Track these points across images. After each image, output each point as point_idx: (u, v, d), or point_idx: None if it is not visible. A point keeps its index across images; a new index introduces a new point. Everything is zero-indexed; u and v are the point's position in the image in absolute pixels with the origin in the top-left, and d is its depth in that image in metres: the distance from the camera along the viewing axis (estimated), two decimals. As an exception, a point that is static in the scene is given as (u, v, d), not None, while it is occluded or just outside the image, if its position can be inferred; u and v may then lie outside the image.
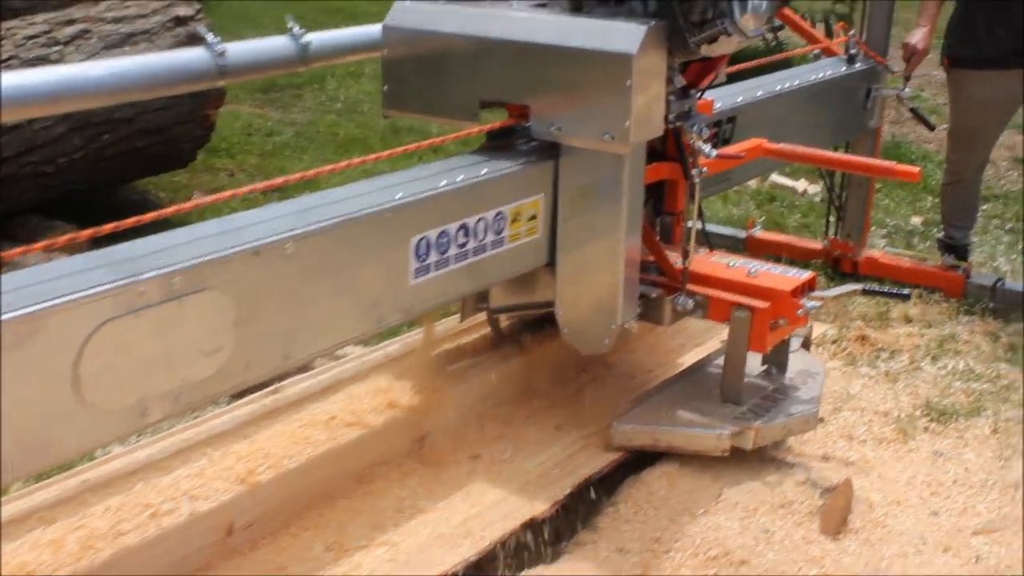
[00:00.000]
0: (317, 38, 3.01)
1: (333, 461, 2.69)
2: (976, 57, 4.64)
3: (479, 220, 2.65)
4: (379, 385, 2.98)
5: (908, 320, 4.59)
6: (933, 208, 5.83)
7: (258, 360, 2.20)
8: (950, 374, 4.15)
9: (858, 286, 3.63)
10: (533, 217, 2.82)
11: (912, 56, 4.51)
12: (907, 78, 4.53)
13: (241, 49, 2.84)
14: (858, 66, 4.42)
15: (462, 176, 2.61)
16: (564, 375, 3.32)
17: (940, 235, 5.10)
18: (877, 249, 5.19)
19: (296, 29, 2.97)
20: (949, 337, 4.43)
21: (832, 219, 5.02)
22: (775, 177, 6.28)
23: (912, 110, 4.69)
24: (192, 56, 2.76)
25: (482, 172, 2.65)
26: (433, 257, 2.54)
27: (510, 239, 2.76)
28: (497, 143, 2.86)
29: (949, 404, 3.89)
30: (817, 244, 5.08)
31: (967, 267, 4.81)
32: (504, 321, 3.31)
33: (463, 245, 2.62)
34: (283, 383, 3.00)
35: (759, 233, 5.16)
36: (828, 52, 4.59)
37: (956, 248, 4.98)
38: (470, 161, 2.75)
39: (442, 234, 2.55)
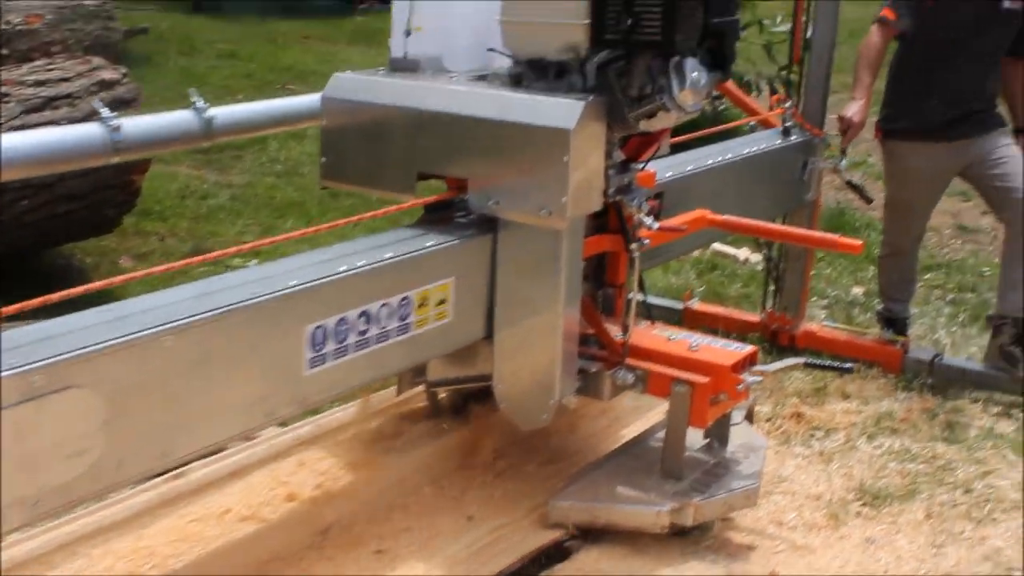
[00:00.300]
0: (222, 113, 2.90)
1: (224, 559, 2.54)
2: (909, 128, 4.61)
3: (382, 306, 2.53)
4: (280, 474, 2.84)
5: (845, 396, 4.50)
6: (875, 278, 5.75)
7: (132, 460, 2.07)
8: (886, 454, 4.05)
9: (800, 360, 3.59)
10: (442, 301, 2.72)
11: (848, 129, 4.46)
12: (844, 151, 4.48)
13: (138, 124, 2.74)
14: (794, 138, 4.36)
15: (363, 261, 2.50)
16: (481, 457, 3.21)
17: (879, 308, 5.03)
18: (816, 322, 5.11)
19: (199, 103, 2.85)
20: (886, 414, 4.34)
21: (770, 291, 4.94)
22: (717, 245, 6.22)
23: (849, 183, 4.64)
24: (85, 132, 2.65)
25: (386, 256, 2.55)
26: (330, 346, 2.42)
27: (417, 325, 2.65)
28: (436, 216, 2.82)
29: (883, 487, 3.78)
30: (755, 317, 4.99)
31: (905, 342, 4.74)
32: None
33: (364, 332, 2.50)
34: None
35: (696, 305, 5.08)
36: (767, 124, 4.54)
37: (895, 321, 4.92)
38: (380, 242, 2.64)
39: (341, 321, 2.44)
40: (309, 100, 3.12)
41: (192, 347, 2.11)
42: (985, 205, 4.80)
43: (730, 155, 3.93)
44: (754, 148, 4.09)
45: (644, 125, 2.68)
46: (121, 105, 4.64)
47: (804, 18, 4.49)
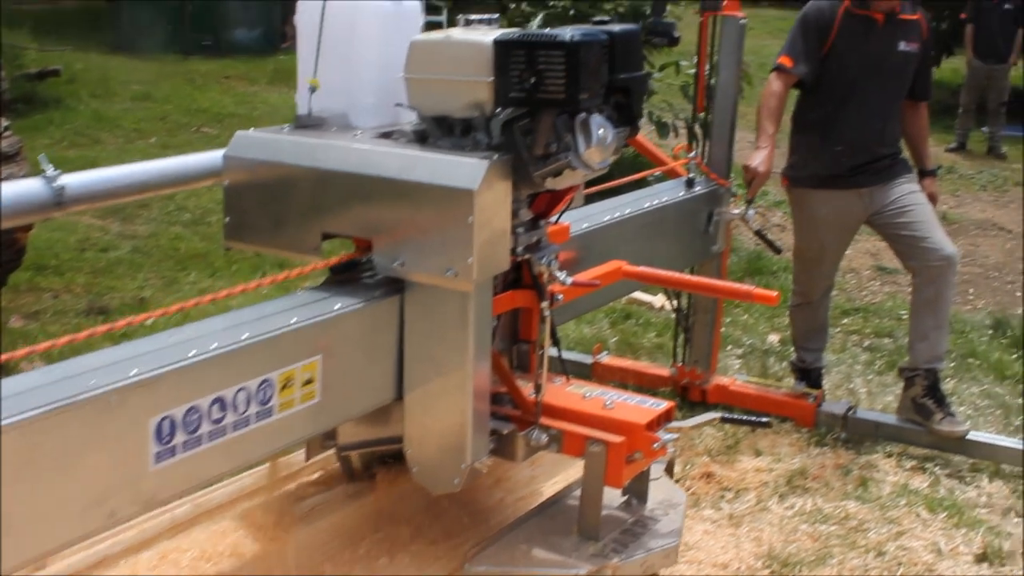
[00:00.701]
0: (75, 180, 2.67)
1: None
2: (814, 176, 4.53)
3: (239, 391, 2.35)
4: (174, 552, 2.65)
5: (757, 453, 4.38)
6: (791, 325, 5.69)
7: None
8: (797, 515, 3.93)
9: (716, 415, 3.44)
10: (309, 381, 2.54)
11: (753, 179, 4.36)
12: (750, 201, 4.38)
13: (-24, 195, 2.50)
14: (698, 189, 4.25)
15: (216, 343, 2.31)
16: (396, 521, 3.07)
17: (793, 358, 4.94)
18: (728, 375, 5.00)
19: (50, 171, 2.64)
20: (798, 472, 4.23)
21: (682, 344, 4.81)
22: (632, 292, 6.10)
23: (758, 233, 4.54)
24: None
25: (242, 337, 2.36)
26: (180, 438, 2.23)
27: (280, 408, 2.47)
28: (342, 277, 2.70)
29: (793, 552, 3.66)
30: (665, 371, 4.87)
31: (818, 395, 4.64)
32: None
33: (219, 421, 2.31)
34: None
35: (606, 359, 4.95)
36: (673, 174, 4.42)
37: (809, 372, 4.83)
38: (239, 319, 2.45)
39: (191, 411, 2.24)
40: (177, 163, 2.91)
41: (17, 447, 1.92)
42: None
43: (629, 210, 3.79)
44: (655, 201, 3.96)
45: (551, 183, 2.59)
46: (1, 161, 4.42)
47: (708, 66, 4.40)
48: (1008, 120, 12.37)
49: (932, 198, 4.69)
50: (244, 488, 3.05)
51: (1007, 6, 11.44)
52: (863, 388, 5.15)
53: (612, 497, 2.94)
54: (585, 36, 2.45)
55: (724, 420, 3.43)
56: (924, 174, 4.73)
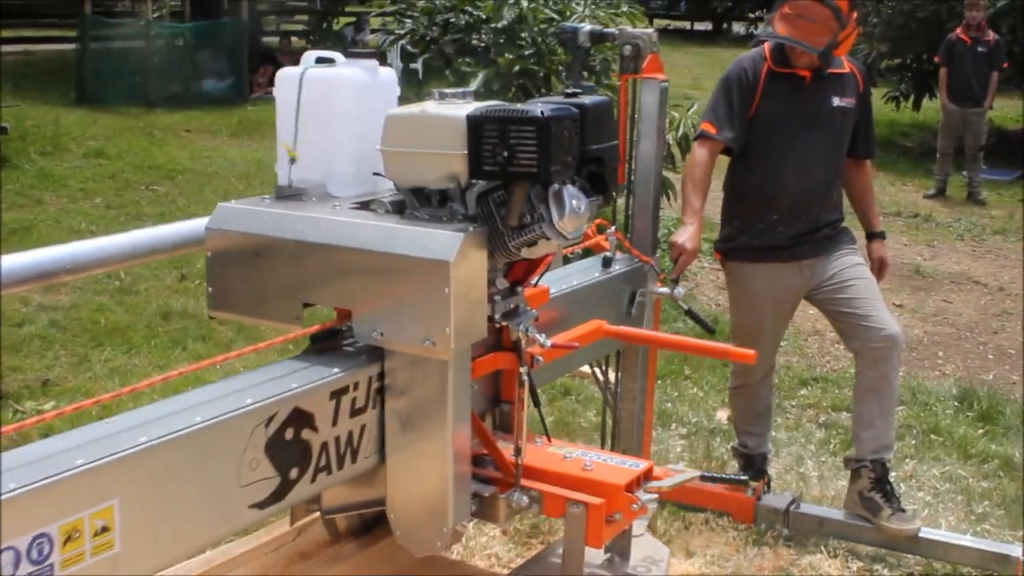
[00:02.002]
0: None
1: None
2: (750, 248, 4.19)
3: (7, 550, 1.98)
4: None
5: (689, 554, 4.00)
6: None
7: None
8: (727, 631, 3.55)
9: (695, 473, 3.42)
10: (105, 529, 2.17)
11: (680, 256, 4.00)
12: (676, 280, 4.01)
13: None
14: (617, 268, 3.88)
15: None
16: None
17: (734, 443, 4.56)
18: (667, 462, 4.61)
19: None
20: (732, 577, 3.85)
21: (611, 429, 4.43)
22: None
23: (688, 312, 4.15)
24: None
25: (9, 487, 1.99)
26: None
27: (64, 565, 2.09)
28: (323, 345, 2.74)
29: None
30: (593, 460, 4.48)
31: (758, 487, 4.25)
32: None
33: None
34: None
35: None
36: (598, 248, 4.06)
37: (752, 458, 4.45)
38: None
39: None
40: (99, 245, 2.72)
41: None
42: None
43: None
44: (563, 286, 3.58)
45: (526, 252, 2.67)
46: None
47: (628, 137, 4.04)
48: (991, 163, 12.07)
49: (881, 262, 4.37)
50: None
51: (980, 48, 11.15)
52: (815, 472, 4.77)
53: (595, 555, 3.00)
54: (556, 111, 2.53)
55: (704, 478, 3.48)
56: (872, 236, 4.41)
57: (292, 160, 2.85)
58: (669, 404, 5.47)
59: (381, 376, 2.70)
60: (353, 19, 20.94)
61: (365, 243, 2.61)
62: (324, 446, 2.60)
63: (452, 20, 6.82)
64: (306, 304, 2.72)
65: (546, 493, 2.83)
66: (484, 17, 6.82)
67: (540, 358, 2.84)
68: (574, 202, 2.61)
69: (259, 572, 2.95)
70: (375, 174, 2.85)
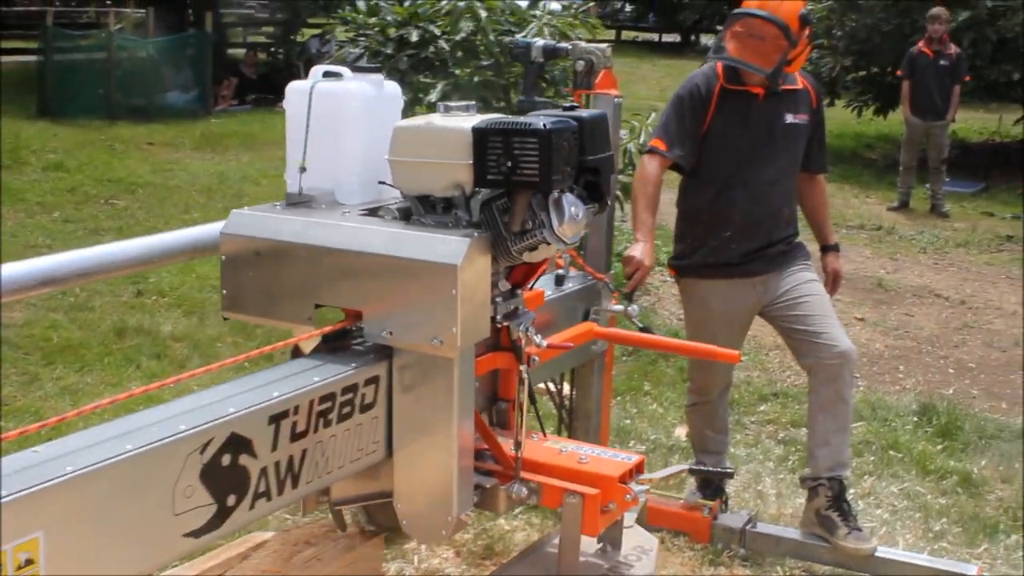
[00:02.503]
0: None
1: None
2: (703, 265, 4.15)
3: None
4: None
5: (643, 576, 3.94)
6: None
7: None
8: (680, 654, 3.50)
9: (684, 466, 3.75)
10: (29, 562, 2.09)
11: (635, 272, 3.95)
12: (629, 296, 3.96)
13: None
14: (569, 286, 3.83)
15: None
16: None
17: (692, 462, 4.51)
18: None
19: None
20: (686, 599, 3.80)
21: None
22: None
23: (643, 330, 4.11)
24: None
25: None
26: None
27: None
28: (333, 344, 2.87)
29: None
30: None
31: (714, 507, 4.21)
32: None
33: None
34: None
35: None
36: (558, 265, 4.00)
37: (709, 477, 4.40)
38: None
39: None
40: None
41: None
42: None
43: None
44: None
45: (527, 257, 2.82)
46: None
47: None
48: (954, 175, 12.13)
49: (836, 275, 4.36)
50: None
51: (943, 62, 11.20)
52: (772, 489, 4.73)
53: (588, 544, 3.12)
54: (557, 123, 2.68)
55: (692, 471, 3.77)
56: (826, 250, 4.39)
57: (302, 170, 2.99)
58: (628, 420, 5.43)
59: (389, 374, 2.80)
60: (318, 31, 20.84)
61: (376, 248, 2.75)
62: (263, 471, 2.55)
63: (405, 36, 6.77)
64: (318, 305, 2.85)
65: (544, 484, 2.98)
66: (438, 33, 6.78)
67: (536, 358, 2.96)
68: (573, 209, 2.77)
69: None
70: (380, 183, 3.00)
